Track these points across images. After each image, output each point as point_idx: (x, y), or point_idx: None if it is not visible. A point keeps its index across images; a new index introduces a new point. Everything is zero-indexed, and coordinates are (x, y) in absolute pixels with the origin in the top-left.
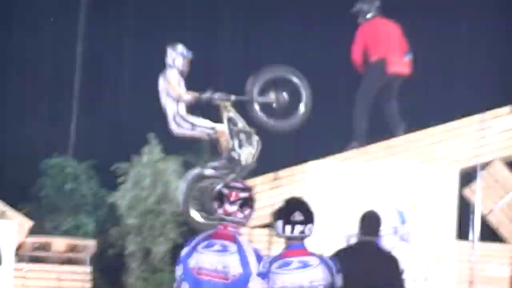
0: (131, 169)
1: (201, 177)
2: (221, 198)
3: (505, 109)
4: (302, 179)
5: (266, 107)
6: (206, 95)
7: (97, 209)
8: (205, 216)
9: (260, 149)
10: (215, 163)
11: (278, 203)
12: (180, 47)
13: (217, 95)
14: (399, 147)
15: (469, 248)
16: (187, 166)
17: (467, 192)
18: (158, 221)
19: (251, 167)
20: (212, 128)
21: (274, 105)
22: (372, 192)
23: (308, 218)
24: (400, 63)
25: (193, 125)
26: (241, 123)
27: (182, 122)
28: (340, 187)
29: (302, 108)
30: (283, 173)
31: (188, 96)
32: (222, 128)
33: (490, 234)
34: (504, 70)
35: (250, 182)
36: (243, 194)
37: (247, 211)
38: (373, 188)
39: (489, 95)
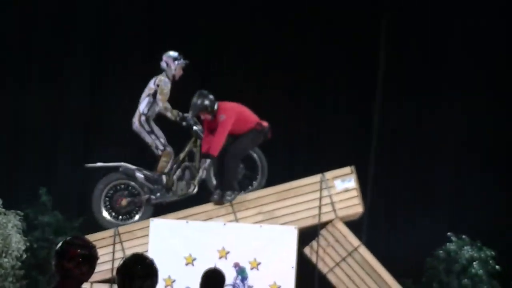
0: None
1: (129, 175)
2: (60, 254)
3: (346, 169)
4: (143, 236)
5: None
6: (188, 121)
7: None
8: (114, 216)
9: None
10: (150, 173)
11: (119, 258)
12: (172, 53)
13: (196, 127)
14: (239, 205)
15: None
16: (28, 220)
17: (307, 250)
18: None
19: (169, 201)
20: (164, 145)
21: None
22: (213, 249)
23: (149, 274)
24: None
25: (152, 131)
26: (195, 163)
27: (145, 123)
28: (181, 245)
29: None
30: (123, 229)
31: (171, 113)
32: (170, 150)
33: None
34: (346, 132)
35: (90, 237)
36: (82, 251)
37: (85, 268)
38: (215, 245)
39: (331, 155)
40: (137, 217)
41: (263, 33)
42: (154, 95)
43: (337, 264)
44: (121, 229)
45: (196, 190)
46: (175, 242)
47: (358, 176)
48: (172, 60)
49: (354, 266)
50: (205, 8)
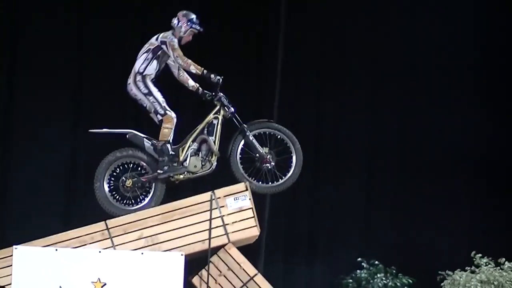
0: None
1: (137, 144)
2: None
3: (240, 186)
4: (6, 266)
5: (252, 149)
6: (213, 77)
7: None
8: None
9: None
10: (157, 143)
11: None
12: (191, 14)
13: (220, 94)
14: (117, 229)
15: None
16: None
17: (196, 280)
18: None
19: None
20: (164, 109)
21: (261, 154)
22: (87, 281)
23: None
24: None
25: (149, 92)
26: (214, 138)
27: (141, 84)
28: (50, 276)
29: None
30: None
31: (195, 67)
32: (171, 115)
33: None
34: None
35: None
36: None
37: None
38: (89, 276)
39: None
40: (146, 200)
41: None
42: (154, 51)
43: None
44: None
45: (212, 168)
46: (43, 274)
47: (254, 194)
48: (186, 21)
49: None
50: None
